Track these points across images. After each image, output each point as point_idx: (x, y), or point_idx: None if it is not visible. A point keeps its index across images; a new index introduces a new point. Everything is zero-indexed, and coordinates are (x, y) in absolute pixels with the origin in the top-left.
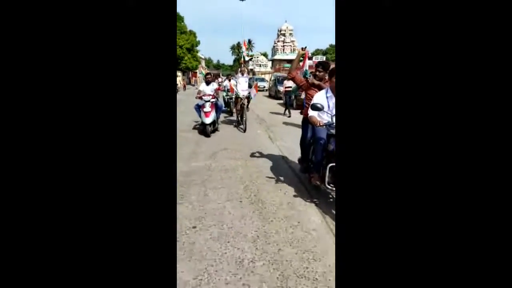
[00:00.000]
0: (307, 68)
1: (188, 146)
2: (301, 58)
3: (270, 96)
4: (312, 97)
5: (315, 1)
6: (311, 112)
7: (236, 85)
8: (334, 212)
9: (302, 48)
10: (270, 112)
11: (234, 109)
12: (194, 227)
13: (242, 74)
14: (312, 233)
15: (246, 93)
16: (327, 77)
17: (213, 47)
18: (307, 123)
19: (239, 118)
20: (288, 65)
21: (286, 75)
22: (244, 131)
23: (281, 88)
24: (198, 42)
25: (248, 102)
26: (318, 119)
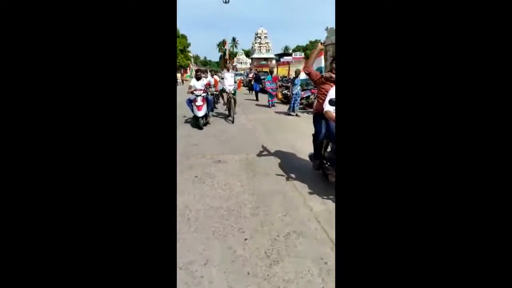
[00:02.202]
0: (323, 65)
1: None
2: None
3: (243, 86)
4: (326, 91)
5: None
6: (327, 107)
7: (222, 80)
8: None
9: (321, 43)
10: (241, 93)
11: (219, 103)
12: None
13: (228, 70)
14: None
15: (232, 88)
16: None
17: (200, 44)
18: (320, 118)
19: (228, 110)
20: (264, 62)
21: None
22: (233, 122)
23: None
24: (189, 44)
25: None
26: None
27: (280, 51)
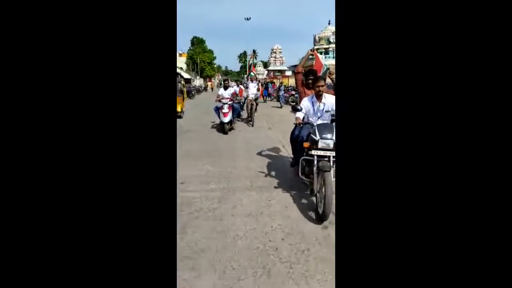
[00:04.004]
0: (325, 62)
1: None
2: (311, 57)
3: None
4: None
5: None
6: (296, 113)
7: (247, 89)
8: None
9: (311, 50)
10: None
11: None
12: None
13: (252, 81)
14: None
15: (254, 96)
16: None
17: (222, 55)
18: None
19: (249, 115)
20: (278, 73)
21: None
22: (252, 125)
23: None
24: (215, 57)
25: (256, 105)
26: (302, 119)
27: (296, 63)
